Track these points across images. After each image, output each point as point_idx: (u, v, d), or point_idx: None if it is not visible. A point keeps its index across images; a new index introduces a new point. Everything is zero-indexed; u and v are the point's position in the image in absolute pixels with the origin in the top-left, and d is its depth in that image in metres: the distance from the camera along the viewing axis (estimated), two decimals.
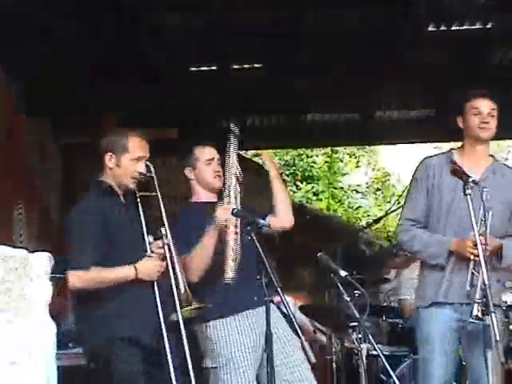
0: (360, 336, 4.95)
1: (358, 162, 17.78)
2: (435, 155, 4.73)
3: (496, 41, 7.38)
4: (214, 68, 8.17)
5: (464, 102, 4.48)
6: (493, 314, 3.85)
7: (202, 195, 4.65)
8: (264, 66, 7.99)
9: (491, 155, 4.66)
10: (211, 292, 4.31)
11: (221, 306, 4.30)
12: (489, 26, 7.06)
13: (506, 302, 6.85)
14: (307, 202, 14.67)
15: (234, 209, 4.28)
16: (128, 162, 4.20)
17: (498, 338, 3.82)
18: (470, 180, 4.07)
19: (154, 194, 4.30)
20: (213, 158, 4.63)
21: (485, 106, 4.44)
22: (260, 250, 3.85)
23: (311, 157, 15.18)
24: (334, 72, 7.74)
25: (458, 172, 4.22)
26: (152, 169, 4.27)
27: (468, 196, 4.04)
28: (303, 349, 3.77)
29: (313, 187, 15.07)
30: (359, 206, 15.85)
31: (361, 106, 9.21)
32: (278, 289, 3.79)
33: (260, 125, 10.17)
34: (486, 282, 3.89)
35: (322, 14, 6.90)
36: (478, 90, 4.53)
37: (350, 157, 16.67)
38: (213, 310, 4.27)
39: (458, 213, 4.33)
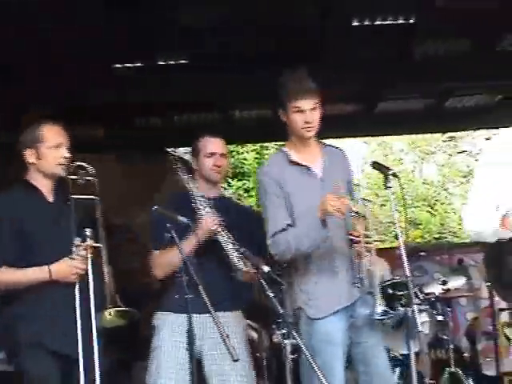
0: (284, 331, 4.94)
1: None
2: (271, 158, 4.77)
3: (420, 35, 7.40)
4: (138, 64, 8.03)
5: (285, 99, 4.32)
6: (414, 306, 3.88)
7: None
8: (189, 62, 7.89)
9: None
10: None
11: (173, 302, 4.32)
12: (412, 21, 7.07)
13: (434, 294, 7.01)
14: (238, 199, 14.64)
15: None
16: (48, 150, 4.13)
17: (420, 330, 3.86)
18: (391, 173, 4.08)
19: (92, 197, 4.22)
20: (215, 153, 4.59)
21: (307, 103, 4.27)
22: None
23: (242, 153, 15.15)
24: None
25: (377, 166, 4.25)
26: (92, 171, 4.22)
27: (389, 189, 4.06)
28: (225, 345, 3.73)
29: (244, 184, 15.04)
30: None
31: None
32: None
33: (188, 122, 10.07)
34: (408, 275, 3.93)
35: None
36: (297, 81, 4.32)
37: None
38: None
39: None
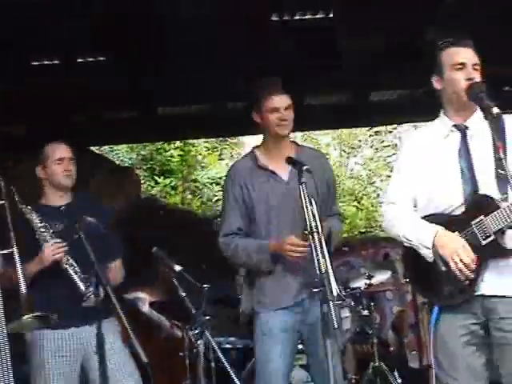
0: (197, 332, 4.88)
1: (220, 154, 17.74)
2: (242, 158, 4.77)
3: (340, 30, 7.38)
4: (57, 62, 7.88)
5: (260, 99, 4.44)
6: (330, 302, 3.84)
7: (50, 197, 4.60)
8: (110, 59, 7.76)
9: (292, 141, 4.69)
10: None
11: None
12: (331, 15, 7.06)
13: (360, 288, 7.02)
14: (165, 197, 14.53)
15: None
16: None
17: (336, 326, 3.82)
18: (304, 168, 4.06)
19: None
20: (64, 158, 4.58)
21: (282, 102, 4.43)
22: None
23: (168, 151, 15.02)
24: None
25: (291, 161, 4.24)
26: None
27: (303, 184, 4.03)
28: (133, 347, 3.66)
29: (171, 181, 14.93)
30: (219, 199, 15.80)
31: (212, 97, 9.06)
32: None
33: (113, 119, 9.95)
34: (323, 270, 3.89)
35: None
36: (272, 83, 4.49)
37: (209, 150, 16.61)
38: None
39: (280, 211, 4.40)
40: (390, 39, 7.49)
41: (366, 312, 6.87)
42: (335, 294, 3.92)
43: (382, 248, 9.38)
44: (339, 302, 6.06)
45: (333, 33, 7.39)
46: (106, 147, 13.85)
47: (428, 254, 3.69)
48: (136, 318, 5.19)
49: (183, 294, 3.74)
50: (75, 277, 4.30)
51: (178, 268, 3.84)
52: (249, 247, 4.38)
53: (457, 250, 3.60)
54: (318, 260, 3.89)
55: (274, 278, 4.40)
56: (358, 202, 15.72)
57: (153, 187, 14.75)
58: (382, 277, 7.26)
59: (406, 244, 3.83)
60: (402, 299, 8.39)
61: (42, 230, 4.38)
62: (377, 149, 16.74)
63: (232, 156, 18.54)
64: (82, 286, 4.25)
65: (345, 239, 9.52)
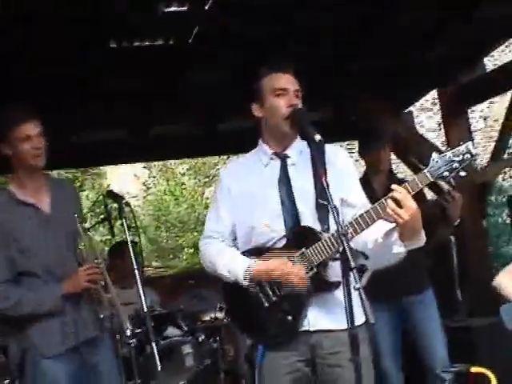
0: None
1: (80, 185, 17.38)
2: None
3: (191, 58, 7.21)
4: None
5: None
6: (153, 344, 3.67)
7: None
8: None
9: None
10: None
11: None
12: (171, 43, 6.88)
13: (212, 320, 6.87)
14: None
15: None
16: None
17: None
18: (124, 202, 3.89)
19: None
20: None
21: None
22: None
23: None
24: None
25: (111, 194, 4.06)
26: None
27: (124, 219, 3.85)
28: None
29: None
30: None
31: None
32: None
33: None
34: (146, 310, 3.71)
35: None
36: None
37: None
38: None
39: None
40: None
41: (215, 345, 6.70)
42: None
43: None
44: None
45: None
46: None
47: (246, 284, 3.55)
48: None
49: None
50: None
51: None
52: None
53: (281, 265, 3.47)
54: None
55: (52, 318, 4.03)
56: None
57: None
58: None
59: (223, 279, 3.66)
60: None
61: None
62: None
63: (94, 187, 18.19)
64: None
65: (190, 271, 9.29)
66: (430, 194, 5.47)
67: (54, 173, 14.30)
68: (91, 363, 4.02)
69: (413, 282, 5.44)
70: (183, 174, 16.15)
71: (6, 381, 4.29)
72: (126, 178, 16.62)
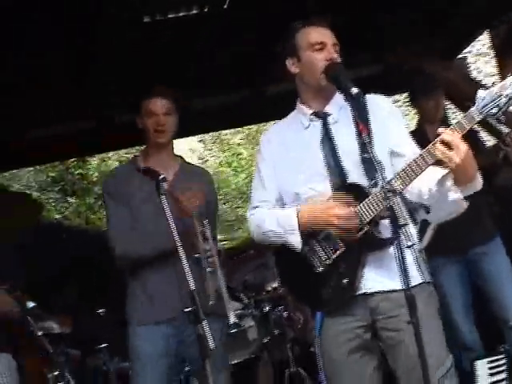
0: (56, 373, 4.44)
1: None
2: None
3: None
4: None
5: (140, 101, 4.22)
6: (204, 322, 3.50)
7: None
8: None
9: (178, 156, 4.48)
10: None
11: None
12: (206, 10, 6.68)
13: (278, 289, 6.69)
14: (78, 217, 14.13)
15: None
16: None
17: (213, 346, 3.48)
18: (160, 178, 3.72)
19: None
20: None
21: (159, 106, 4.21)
22: None
23: (78, 169, 14.60)
24: None
25: (148, 171, 3.97)
26: None
27: (163, 196, 3.69)
28: None
29: (85, 200, 14.52)
30: None
31: None
32: None
33: None
34: (193, 288, 3.55)
35: None
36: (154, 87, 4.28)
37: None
38: None
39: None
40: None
41: (285, 314, 6.50)
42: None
43: None
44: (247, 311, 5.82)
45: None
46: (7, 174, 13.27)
47: (296, 240, 3.38)
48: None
49: (39, 333, 3.31)
50: None
51: (30, 305, 3.41)
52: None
53: (328, 211, 3.28)
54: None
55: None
56: None
57: (67, 208, 14.28)
58: None
59: (275, 242, 3.50)
60: None
61: None
62: None
63: None
64: None
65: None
66: None
67: None
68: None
69: (478, 233, 5.24)
70: (239, 145, 15.96)
71: (56, 372, 4.19)
72: (181, 154, 16.49)
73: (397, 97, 12.11)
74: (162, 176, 3.71)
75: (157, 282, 4.06)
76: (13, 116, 7.07)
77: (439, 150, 3.04)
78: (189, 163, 4.58)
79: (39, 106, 7.13)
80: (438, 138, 3.07)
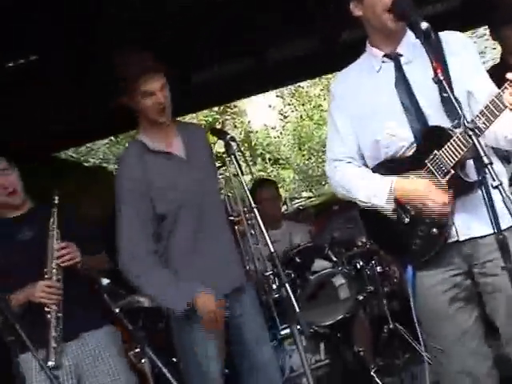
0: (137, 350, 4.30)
1: (222, 126, 17.33)
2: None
3: None
4: None
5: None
6: (287, 285, 3.32)
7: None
8: None
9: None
10: None
11: None
12: None
13: (366, 245, 6.43)
14: None
15: None
16: None
17: (298, 310, 3.30)
18: (228, 137, 3.54)
19: None
20: None
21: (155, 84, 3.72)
22: None
23: None
24: None
25: (216, 131, 3.85)
26: None
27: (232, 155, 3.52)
28: None
29: None
30: None
31: None
32: None
33: None
34: (272, 251, 3.38)
35: None
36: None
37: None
38: None
39: None
40: None
41: (379, 269, 6.22)
42: None
43: None
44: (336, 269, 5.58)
45: None
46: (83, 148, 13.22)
47: (388, 208, 3.22)
48: None
49: (117, 311, 3.19)
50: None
51: (105, 281, 3.29)
52: None
53: (423, 192, 3.10)
54: None
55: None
56: None
57: None
58: None
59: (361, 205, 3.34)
60: None
61: None
62: None
63: (236, 126, 18.02)
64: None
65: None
66: None
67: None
68: (235, 314, 3.84)
69: None
70: (318, 96, 15.61)
71: (137, 349, 4.07)
72: (261, 112, 16.26)
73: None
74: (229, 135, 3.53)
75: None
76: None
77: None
78: (181, 123, 4.18)
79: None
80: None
